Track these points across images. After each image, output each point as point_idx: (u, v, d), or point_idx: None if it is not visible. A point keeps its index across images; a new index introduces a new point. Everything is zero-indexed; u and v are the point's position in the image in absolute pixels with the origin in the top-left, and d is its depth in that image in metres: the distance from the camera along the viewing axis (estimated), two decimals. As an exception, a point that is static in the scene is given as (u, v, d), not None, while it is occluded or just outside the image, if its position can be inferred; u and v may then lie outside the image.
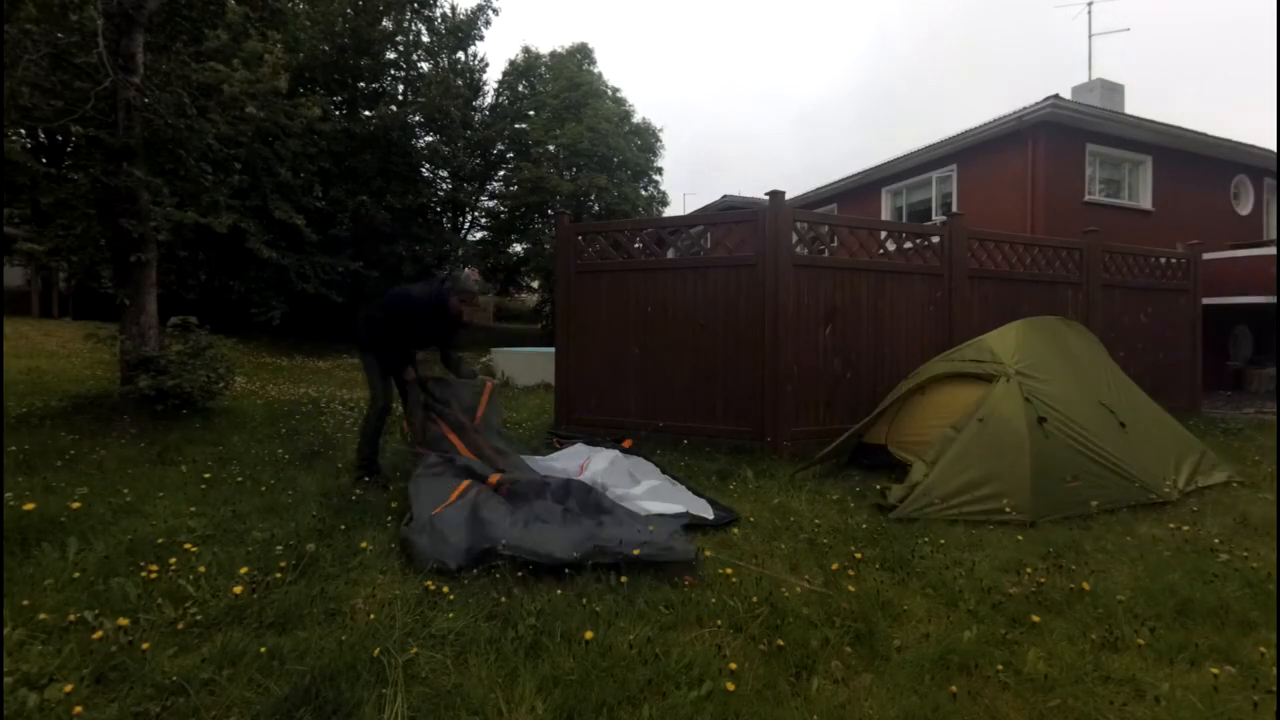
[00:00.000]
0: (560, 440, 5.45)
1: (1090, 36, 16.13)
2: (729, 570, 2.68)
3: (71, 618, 2.12)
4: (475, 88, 22.79)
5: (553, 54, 24.50)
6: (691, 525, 3.37)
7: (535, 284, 26.05)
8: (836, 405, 5.44)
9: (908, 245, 6.14)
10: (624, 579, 2.59)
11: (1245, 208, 12.39)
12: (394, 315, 4.07)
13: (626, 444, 5.12)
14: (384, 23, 18.40)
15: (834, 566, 2.80)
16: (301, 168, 15.75)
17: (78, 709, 1.68)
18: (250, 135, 10.43)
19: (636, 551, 2.71)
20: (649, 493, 3.82)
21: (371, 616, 2.25)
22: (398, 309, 4.09)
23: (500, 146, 23.33)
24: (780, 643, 2.14)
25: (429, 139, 20.38)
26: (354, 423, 6.22)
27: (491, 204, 24.44)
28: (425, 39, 20.71)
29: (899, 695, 1.90)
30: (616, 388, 5.85)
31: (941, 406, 4.30)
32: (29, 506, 3.09)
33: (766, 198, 5.39)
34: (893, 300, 5.73)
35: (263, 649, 2.00)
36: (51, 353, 9.93)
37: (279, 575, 2.52)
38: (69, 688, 1.75)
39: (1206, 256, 8.68)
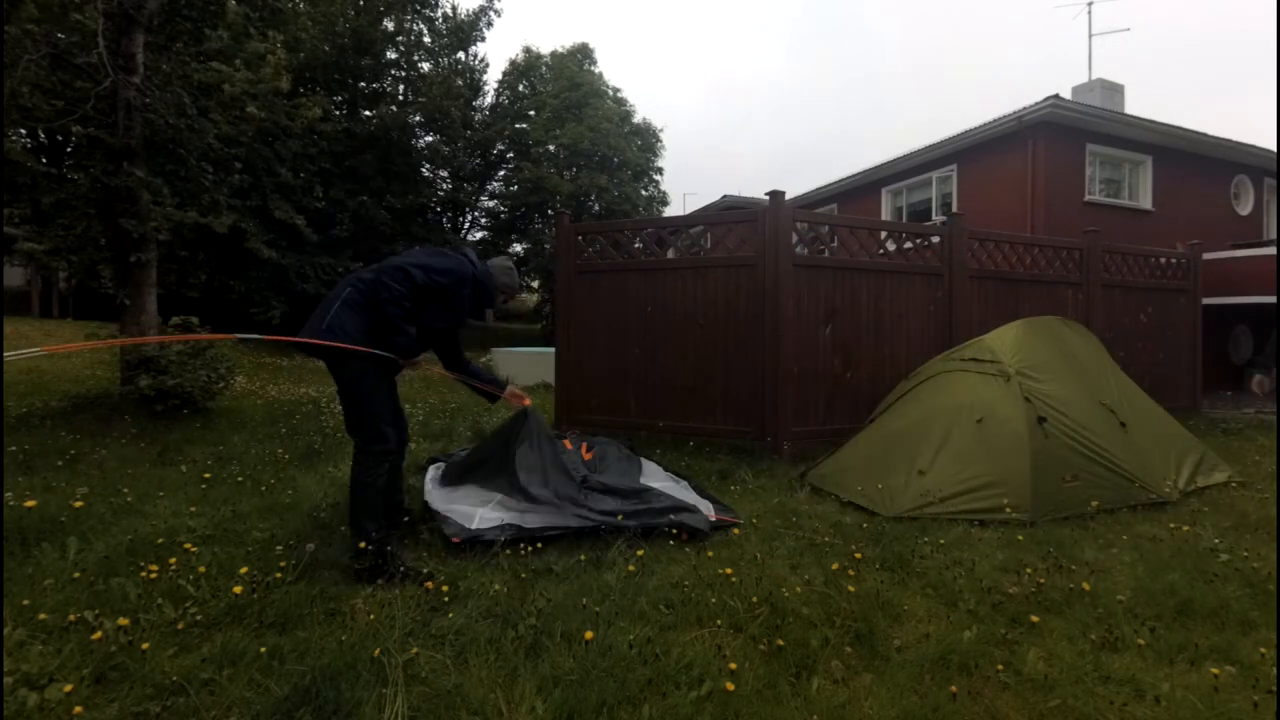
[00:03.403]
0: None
1: (1090, 36, 16.17)
2: (729, 570, 2.68)
3: (71, 618, 2.12)
4: (476, 88, 22.81)
5: (553, 54, 24.51)
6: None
7: (535, 284, 26.06)
8: (836, 405, 5.44)
9: (908, 245, 6.14)
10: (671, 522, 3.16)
11: (1245, 208, 12.38)
12: (425, 295, 2.84)
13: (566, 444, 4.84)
14: (385, 23, 18.42)
15: (834, 566, 2.80)
16: (302, 168, 15.76)
17: (78, 709, 1.68)
18: (251, 135, 10.45)
19: (673, 517, 3.21)
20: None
21: (371, 617, 2.25)
22: (434, 287, 2.84)
23: (500, 146, 23.35)
24: (780, 643, 2.14)
25: (429, 139, 20.40)
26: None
27: (491, 204, 24.47)
28: (426, 39, 20.72)
29: (899, 695, 1.90)
30: (616, 388, 5.85)
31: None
32: (30, 504, 3.10)
33: (766, 198, 5.39)
34: (893, 300, 5.73)
35: (263, 649, 2.00)
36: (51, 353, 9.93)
37: (279, 575, 2.52)
38: (69, 688, 1.75)
39: (1206, 256, 8.67)
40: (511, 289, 3.29)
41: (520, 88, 24.35)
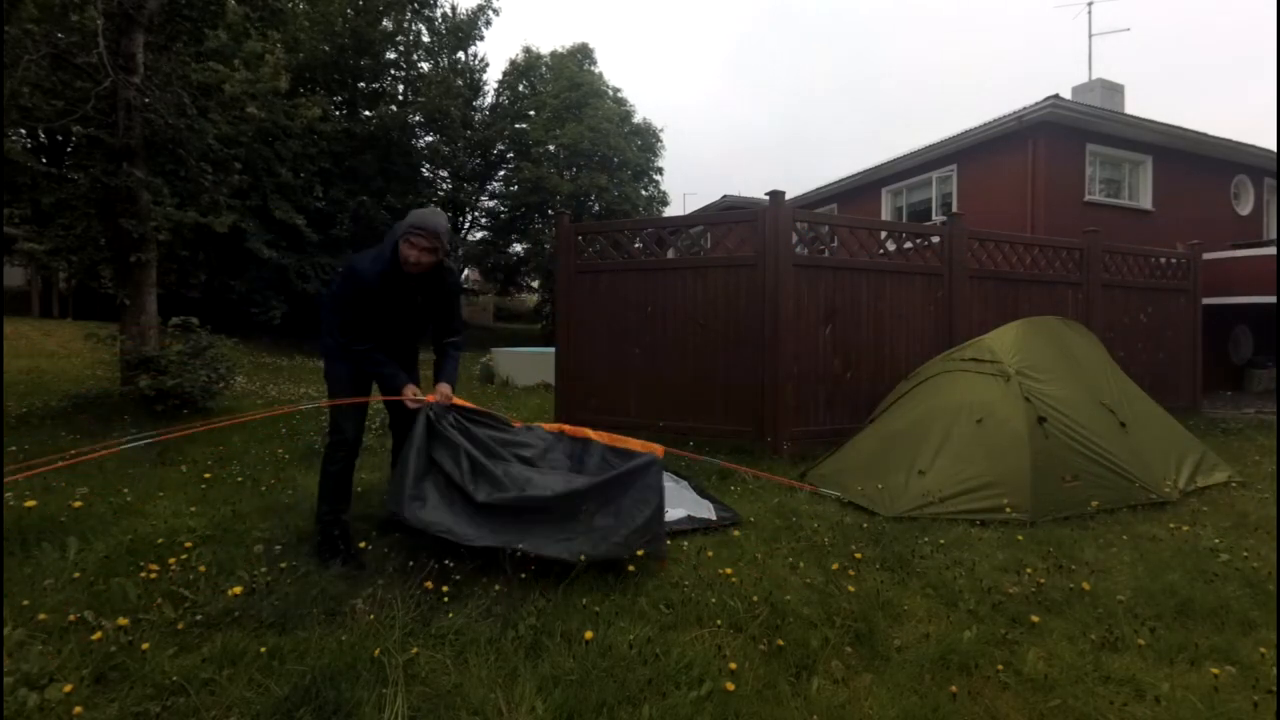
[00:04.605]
0: None
1: (1090, 36, 16.18)
2: (729, 570, 2.68)
3: (71, 618, 2.12)
4: (475, 88, 22.84)
5: (553, 54, 24.54)
6: (693, 527, 3.37)
7: (535, 284, 26.08)
8: (836, 405, 5.44)
9: (908, 245, 6.14)
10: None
11: (1245, 208, 12.38)
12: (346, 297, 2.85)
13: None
14: (384, 23, 18.43)
15: (834, 566, 2.80)
16: (302, 168, 15.78)
17: (78, 709, 1.68)
18: (251, 135, 10.46)
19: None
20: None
21: (371, 617, 2.25)
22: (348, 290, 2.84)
23: (500, 146, 23.37)
24: (780, 643, 2.14)
25: (429, 139, 20.43)
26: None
27: (491, 204, 24.52)
28: (425, 39, 20.74)
29: (899, 695, 1.90)
30: (616, 388, 5.85)
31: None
32: (30, 504, 3.10)
33: (766, 198, 5.39)
34: (893, 300, 5.73)
35: (263, 649, 2.00)
36: (51, 353, 9.94)
37: (279, 575, 2.51)
38: (69, 688, 1.75)
39: (1206, 256, 8.67)
40: (415, 231, 2.70)
41: (520, 88, 24.37)
